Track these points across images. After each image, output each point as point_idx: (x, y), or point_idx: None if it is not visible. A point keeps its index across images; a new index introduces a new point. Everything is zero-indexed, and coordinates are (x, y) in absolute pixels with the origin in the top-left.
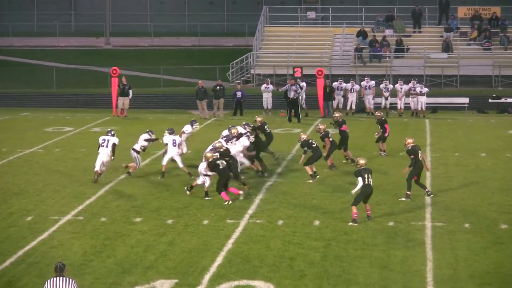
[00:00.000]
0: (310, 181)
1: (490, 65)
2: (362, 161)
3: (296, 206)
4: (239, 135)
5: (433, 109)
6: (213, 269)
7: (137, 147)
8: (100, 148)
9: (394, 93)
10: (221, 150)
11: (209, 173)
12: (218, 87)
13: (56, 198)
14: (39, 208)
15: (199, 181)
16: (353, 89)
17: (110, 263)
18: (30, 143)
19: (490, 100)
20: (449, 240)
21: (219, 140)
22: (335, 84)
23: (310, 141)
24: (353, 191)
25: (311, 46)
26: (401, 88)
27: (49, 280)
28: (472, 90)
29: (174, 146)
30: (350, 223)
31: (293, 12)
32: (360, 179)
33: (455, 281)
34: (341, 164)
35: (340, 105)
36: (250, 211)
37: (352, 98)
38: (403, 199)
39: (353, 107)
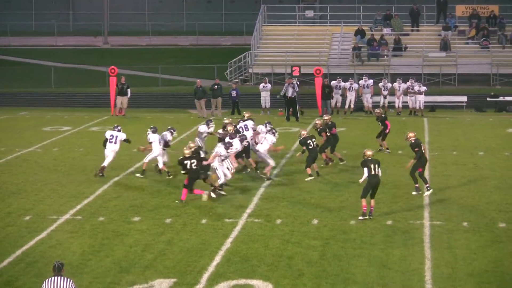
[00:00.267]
0: (308, 179)
1: (488, 63)
2: (369, 152)
3: (294, 205)
4: (236, 132)
5: (431, 107)
6: (211, 268)
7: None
8: (108, 144)
9: (392, 92)
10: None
11: (225, 170)
12: (216, 86)
13: (54, 198)
14: (37, 207)
15: (221, 180)
16: (352, 87)
17: (108, 262)
18: (28, 143)
19: (488, 99)
20: (448, 239)
21: (207, 133)
22: (333, 83)
23: (309, 141)
24: (361, 180)
25: (309, 45)
26: (399, 87)
27: (47, 280)
28: (470, 89)
29: (160, 145)
30: (360, 217)
31: (291, 11)
32: (365, 169)
33: (454, 280)
34: (338, 162)
35: (339, 104)
36: (248, 210)
37: (351, 97)
38: (414, 193)
39: (352, 106)
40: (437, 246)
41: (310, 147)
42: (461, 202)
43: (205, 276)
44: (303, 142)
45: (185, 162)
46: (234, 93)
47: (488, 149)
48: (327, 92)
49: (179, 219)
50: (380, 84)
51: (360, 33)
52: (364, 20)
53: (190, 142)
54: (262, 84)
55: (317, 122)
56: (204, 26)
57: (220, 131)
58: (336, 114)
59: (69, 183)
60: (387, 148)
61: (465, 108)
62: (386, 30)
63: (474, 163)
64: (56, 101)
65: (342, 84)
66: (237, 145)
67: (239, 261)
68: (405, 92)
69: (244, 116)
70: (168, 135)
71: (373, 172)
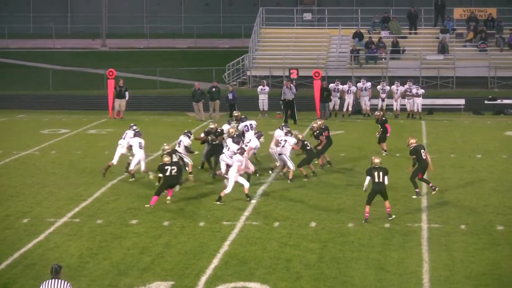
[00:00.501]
0: (305, 179)
1: (486, 66)
2: (376, 160)
3: (292, 207)
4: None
5: (429, 110)
6: (209, 271)
7: (180, 149)
8: (121, 140)
9: (390, 95)
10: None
11: (239, 178)
12: (213, 89)
13: (52, 200)
14: (35, 210)
15: (227, 190)
16: (350, 90)
17: (106, 265)
18: (26, 145)
19: (486, 102)
20: (446, 242)
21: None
22: (331, 85)
23: (305, 142)
24: (364, 189)
25: (307, 48)
26: (397, 90)
27: (44, 282)
28: (468, 92)
29: (141, 148)
30: (362, 222)
31: (289, 13)
32: (368, 178)
33: (452, 283)
34: (337, 163)
35: (337, 107)
36: (246, 213)
37: (349, 99)
38: (415, 197)
39: (350, 108)
40: (435, 249)
41: (308, 147)
42: (459, 205)
43: (203, 279)
44: (302, 147)
45: (166, 168)
46: (230, 96)
47: (486, 151)
48: (326, 95)
49: (177, 222)
50: (378, 87)
51: (358, 35)
52: (362, 23)
53: (164, 144)
54: (260, 87)
55: (313, 125)
56: (202, 29)
57: (202, 134)
58: (334, 117)
59: (67, 185)
60: (385, 150)
61: (463, 111)
62: (384, 33)
63: (472, 165)
64: (54, 103)
65: (340, 87)
66: (256, 143)
67: (237, 264)
68: (403, 95)
69: (235, 116)
70: (185, 140)
71: (376, 180)
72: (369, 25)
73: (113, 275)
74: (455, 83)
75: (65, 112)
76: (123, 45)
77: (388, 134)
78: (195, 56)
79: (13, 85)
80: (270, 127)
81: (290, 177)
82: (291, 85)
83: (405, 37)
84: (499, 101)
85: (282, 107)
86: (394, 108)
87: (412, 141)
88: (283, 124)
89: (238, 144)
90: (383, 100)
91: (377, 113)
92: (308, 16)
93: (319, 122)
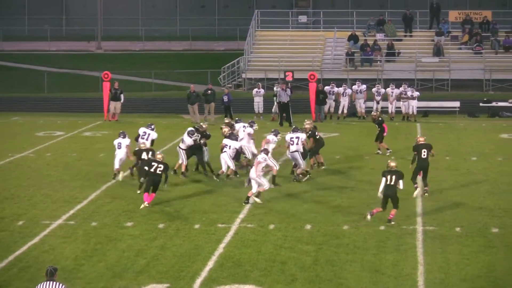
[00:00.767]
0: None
1: (481, 69)
2: (392, 164)
3: (287, 210)
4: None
5: (424, 113)
6: (204, 273)
7: (182, 146)
8: (140, 139)
9: (385, 97)
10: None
11: (262, 179)
12: (209, 91)
13: (47, 203)
14: (30, 212)
15: (254, 189)
16: (345, 93)
17: (101, 267)
18: (21, 148)
19: (481, 104)
20: (440, 244)
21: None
22: (327, 88)
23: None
24: (379, 192)
25: (302, 50)
26: (392, 92)
27: (39, 285)
28: (463, 94)
29: (119, 148)
30: (367, 214)
31: (285, 16)
32: (383, 179)
33: (446, 285)
34: (332, 166)
35: (332, 109)
36: (241, 215)
37: (344, 102)
38: (415, 194)
39: (345, 111)
40: (430, 251)
41: (317, 137)
42: (454, 207)
43: (198, 281)
44: (312, 135)
45: (153, 164)
46: (226, 98)
47: (481, 154)
48: (322, 98)
49: (172, 224)
50: (373, 90)
51: (353, 38)
52: (357, 26)
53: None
54: (255, 89)
55: (306, 126)
56: (198, 31)
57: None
58: (329, 119)
59: (62, 188)
60: (388, 149)
61: (458, 114)
62: (379, 36)
63: (467, 168)
64: (49, 106)
65: (336, 89)
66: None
67: (232, 266)
68: (398, 98)
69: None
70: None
71: (388, 182)
72: (364, 27)
73: (108, 278)
74: (450, 86)
75: (60, 114)
76: (119, 48)
77: (385, 134)
78: (191, 58)
79: (8, 87)
80: (265, 129)
81: (299, 172)
82: (285, 87)
83: (400, 40)
84: (494, 104)
85: (274, 108)
86: (389, 111)
87: (421, 139)
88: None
89: (237, 140)
90: (377, 102)
91: (373, 113)
92: (303, 18)
93: (307, 127)
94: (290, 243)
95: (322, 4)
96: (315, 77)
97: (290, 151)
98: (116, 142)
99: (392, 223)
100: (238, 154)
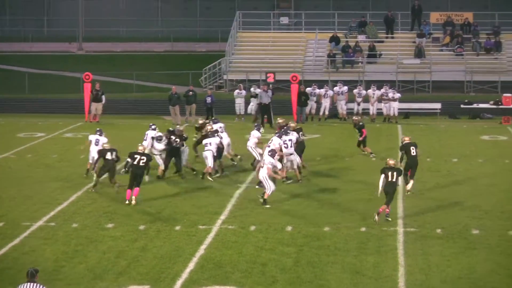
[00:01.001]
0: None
1: (462, 70)
2: (391, 162)
3: (268, 211)
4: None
5: (405, 114)
6: (185, 275)
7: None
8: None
9: (366, 99)
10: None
11: (269, 181)
12: (190, 93)
13: (27, 204)
14: (10, 214)
15: (268, 190)
16: (327, 94)
17: (81, 269)
18: (1, 149)
19: (462, 106)
20: (421, 246)
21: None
22: (308, 89)
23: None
24: (379, 190)
25: (284, 52)
26: (374, 94)
27: (20, 286)
28: (444, 96)
29: (97, 145)
30: (375, 215)
31: (266, 17)
32: (382, 176)
33: (427, 287)
34: (313, 167)
35: (313, 111)
36: (222, 217)
37: (326, 103)
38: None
39: (326, 112)
40: (410, 253)
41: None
42: (434, 209)
43: (179, 283)
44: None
45: (135, 156)
46: (209, 99)
47: (462, 156)
48: (304, 100)
49: (153, 226)
50: (355, 91)
51: (335, 40)
52: (339, 27)
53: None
54: (237, 91)
55: (290, 125)
56: (179, 33)
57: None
58: (311, 120)
59: (42, 189)
60: (372, 153)
61: (439, 115)
62: (361, 37)
63: (448, 169)
64: (30, 107)
65: (317, 91)
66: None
67: (213, 268)
68: (379, 99)
69: (278, 123)
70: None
71: (390, 179)
72: (346, 29)
73: (88, 279)
74: (431, 87)
75: (41, 115)
76: (100, 49)
77: (361, 138)
78: (172, 60)
79: None
80: (247, 130)
81: (299, 177)
82: (270, 89)
83: (382, 41)
84: (475, 106)
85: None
86: (371, 112)
87: (406, 138)
88: (256, 124)
89: (218, 136)
90: (358, 104)
91: (355, 117)
92: (285, 20)
93: (292, 124)
94: (271, 244)
95: (303, 5)
96: (297, 78)
97: (286, 154)
98: (93, 137)
99: (389, 219)
100: (220, 151)
